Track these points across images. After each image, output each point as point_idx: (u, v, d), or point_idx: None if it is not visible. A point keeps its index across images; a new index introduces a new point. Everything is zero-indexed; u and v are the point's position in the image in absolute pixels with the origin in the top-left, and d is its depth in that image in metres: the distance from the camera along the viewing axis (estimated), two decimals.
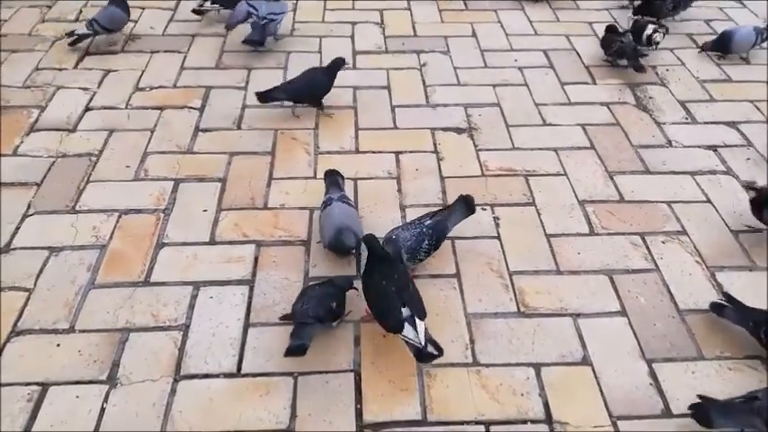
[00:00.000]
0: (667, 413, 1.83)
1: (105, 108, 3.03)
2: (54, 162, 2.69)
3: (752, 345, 2.00)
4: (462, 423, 1.80)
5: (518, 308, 2.13)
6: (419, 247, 2.13)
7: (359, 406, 1.84)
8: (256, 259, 2.27)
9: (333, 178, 2.45)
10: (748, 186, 2.41)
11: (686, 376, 1.93)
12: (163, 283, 2.17)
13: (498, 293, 2.18)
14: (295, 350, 1.86)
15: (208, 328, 2.03)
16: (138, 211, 2.46)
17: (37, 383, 1.85)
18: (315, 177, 2.65)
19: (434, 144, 2.86)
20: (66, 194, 2.52)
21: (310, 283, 2.13)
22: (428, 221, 2.20)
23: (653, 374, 1.93)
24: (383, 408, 1.84)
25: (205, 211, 2.46)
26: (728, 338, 2.03)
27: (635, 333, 2.05)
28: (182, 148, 2.78)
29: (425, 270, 2.24)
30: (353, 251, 2.24)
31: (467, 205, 2.31)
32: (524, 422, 1.81)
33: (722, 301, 2.06)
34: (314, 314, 1.91)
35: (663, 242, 2.38)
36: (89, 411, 1.79)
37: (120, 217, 2.43)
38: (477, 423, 1.80)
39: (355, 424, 1.79)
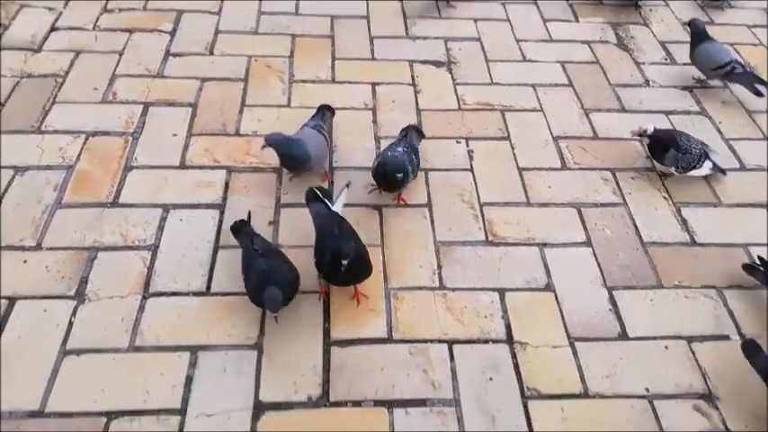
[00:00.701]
0: (623, 336, 1.90)
1: (72, 29, 2.91)
2: (18, 82, 2.60)
3: (709, 275, 2.08)
4: (426, 341, 1.86)
5: (486, 237, 2.17)
6: (413, 162, 2.19)
7: (327, 325, 1.88)
8: (227, 184, 2.26)
9: (321, 110, 2.43)
10: (641, 134, 2.37)
11: (644, 303, 2.00)
12: (131, 205, 2.15)
13: (468, 223, 2.21)
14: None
15: (177, 249, 2.03)
16: (106, 134, 2.40)
17: (5, 297, 1.86)
18: (289, 106, 2.61)
19: (412, 77, 2.82)
20: (32, 115, 2.45)
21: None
22: (402, 143, 2.25)
23: (613, 301, 2.00)
24: (350, 327, 1.88)
25: (175, 135, 2.42)
26: (688, 270, 2.10)
27: (598, 263, 2.10)
28: (151, 72, 2.70)
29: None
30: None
31: (418, 132, 2.41)
32: (486, 342, 1.87)
33: (755, 264, 2.06)
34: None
35: (632, 178, 2.41)
36: (57, 325, 1.80)
37: (87, 139, 2.37)
38: (441, 342, 1.86)
39: (323, 341, 1.84)
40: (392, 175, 2.10)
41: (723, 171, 2.39)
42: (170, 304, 1.88)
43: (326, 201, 2.00)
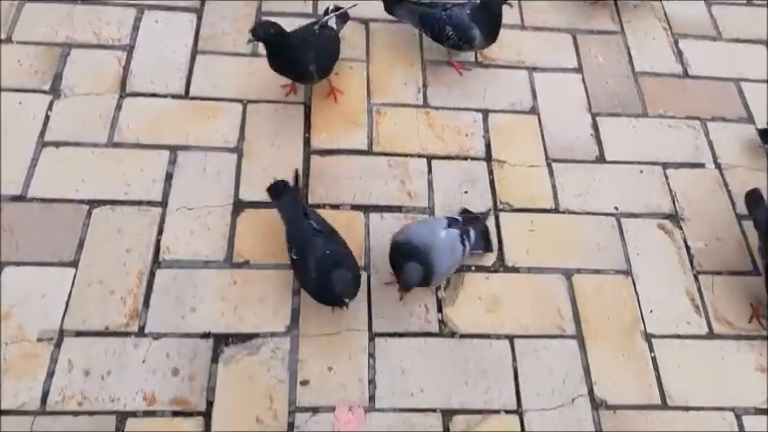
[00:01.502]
0: (601, 159, 1.93)
1: None
2: None
3: (696, 107, 2.06)
4: (405, 155, 1.87)
5: (476, 58, 2.10)
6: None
7: (307, 134, 1.88)
8: None
9: None
10: None
11: (626, 130, 1.99)
12: (104, 3, 2.03)
13: None
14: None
15: (153, 50, 1.95)
16: None
17: None
18: None
19: None
20: None
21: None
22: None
23: (595, 126, 1.99)
24: (331, 137, 1.88)
25: None
26: (675, 101, 2.07)
27: (586, 89, 2.06)
28: None
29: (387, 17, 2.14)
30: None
31: None
32: (465, 158, 1.89)
33: None
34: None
35: (634, 6, 2.29)
36: (33, 117, 1.78)
37: None
38: (420, 156, 1.87)
39: (302, 149, 1.85)
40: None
41: None
42: (148, 105, 1.85)
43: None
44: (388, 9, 2.01)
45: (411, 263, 1.46)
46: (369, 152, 1.87)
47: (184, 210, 1.69)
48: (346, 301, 1.43)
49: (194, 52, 1.97)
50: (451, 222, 1.60)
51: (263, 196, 1.71)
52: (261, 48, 1.86)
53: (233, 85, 1.91)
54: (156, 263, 1.61)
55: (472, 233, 1.62)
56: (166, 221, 1.67)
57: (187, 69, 1.93)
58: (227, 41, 2.00)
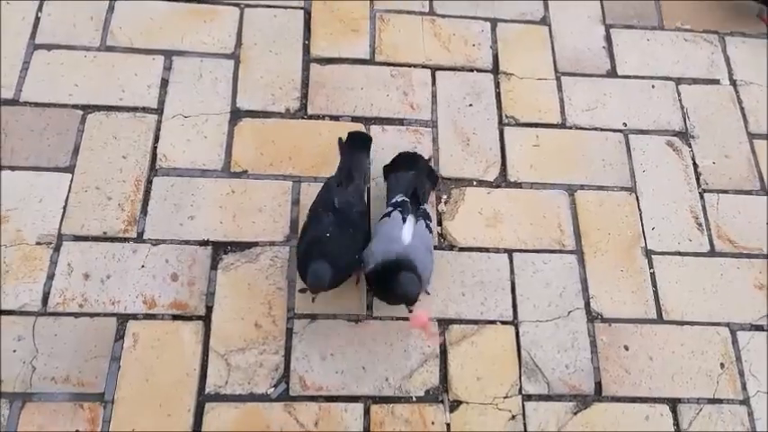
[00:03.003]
0: (612, 74, 1.85)
1: None
2: None
3: (714, 20, 1.96)
4: (409, 66, 1.80)
5: None
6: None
7: (307, 42, 1.81)
8: None
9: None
10: None
11: (641, 43, 1.91)
12: None
13: None
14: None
15: None
16: None
17: None
18: None
19: None
20: None
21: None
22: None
23: (608, 39, 1.90)
24: (332, 45, 1.80)
25: None
26: (694, 13, 1.97)
27: None
28: None
29: None
30: None
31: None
32: (471, 70, 1.82)
33: None
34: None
35: None
36: (23, 18, 1.71)
37: None
38: (424, 67, 1.81)
39: (302, 57, 1.78)
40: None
41: None
42: (141, 6, 1.77)
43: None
44: None
45: (404, 275, 1.28)
46: (371, 61, 1.80)
47: (180, 117, 1.65)
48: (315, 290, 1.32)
49: None
50: (403, 209, 1.41)
51: (262, 106, 1.66)
52: None
53: None
54: (154, 170, 1.59)
55: (428, 208, 1.50)
56: (162, 129, 1.63)
57: None
58: None
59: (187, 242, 1.53)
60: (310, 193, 1.55)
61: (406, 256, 1.32)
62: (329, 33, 1.82)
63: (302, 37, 1.81)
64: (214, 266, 1.51)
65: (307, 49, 1.79)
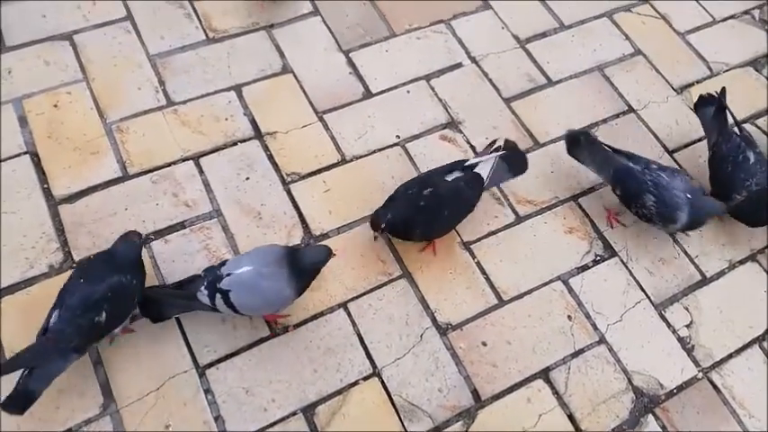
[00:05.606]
0: (368, 94, 1.87)
1: None
2: None
3: (436, 11, 2.06)
4: (168, 165, 1.68)
5: (206, 35, 1.91)
6: None
7: (46, 186, 1.60)
8: None
9: None
10: None
11: (381, 56, 1.95)
12: None
13: (181, 25, 1.92)
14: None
15: None
16: None
17: None
18: None
19: None
20: None
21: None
22: None
23: (351, 63, 1.93)
24: (75, 178, 1.62)
25: None
26: (417, 12, 2.05)
27: (329, 28, 1.98)
28: None
29: (90, 22, 1.87)
30: None
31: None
32: (234, 144, 1.74)
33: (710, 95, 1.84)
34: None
35: None
36: None
37: None
38: (185, 160, 1.69)
39: (46, 204, 1.57)
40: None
41: None
42: None
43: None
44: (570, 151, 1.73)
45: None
46: (126, 177, 1.64)
47: None
48: None
49: None
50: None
51: (21, 276, 1.45)
52: None
53: None
54: None
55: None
56: None
57: None
58: None
59: None
60: None
61: None
62: (67, 167, 1.63)
63: (38, 182, 1.60)
64: None
65: (48, 192, 1.59)
